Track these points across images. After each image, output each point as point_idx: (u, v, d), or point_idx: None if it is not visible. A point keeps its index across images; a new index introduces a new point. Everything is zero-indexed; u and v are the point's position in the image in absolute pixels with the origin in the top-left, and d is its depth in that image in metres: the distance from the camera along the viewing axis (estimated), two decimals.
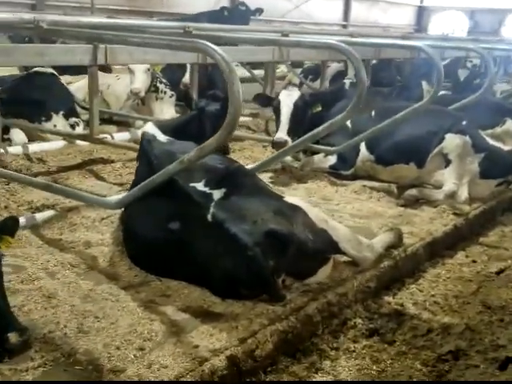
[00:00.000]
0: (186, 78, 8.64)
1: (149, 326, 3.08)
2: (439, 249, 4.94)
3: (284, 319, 3.31)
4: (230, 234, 3.33)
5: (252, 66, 17.70)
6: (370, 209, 5.32)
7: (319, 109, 6.26)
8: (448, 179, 5.73)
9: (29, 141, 6.95)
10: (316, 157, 6.41)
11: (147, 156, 4.06)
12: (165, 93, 8.53)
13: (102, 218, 4.45)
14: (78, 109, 7.95)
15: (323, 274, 3.77)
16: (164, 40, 3.73)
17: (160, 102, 8.45)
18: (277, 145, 5.89)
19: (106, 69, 9.29)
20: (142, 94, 7.82)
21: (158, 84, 8.44)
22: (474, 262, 4.91)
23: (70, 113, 7.28)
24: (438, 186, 5.82)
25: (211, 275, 3.44)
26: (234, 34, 5.55)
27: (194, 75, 6.89)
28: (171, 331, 3.06)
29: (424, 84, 7.72)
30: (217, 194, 3.54)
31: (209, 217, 3.43)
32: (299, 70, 13.24)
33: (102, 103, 8.70)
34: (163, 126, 4.53)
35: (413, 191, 5.62)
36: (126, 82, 8.30)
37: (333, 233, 3.78)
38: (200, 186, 3.62)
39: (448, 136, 5.83)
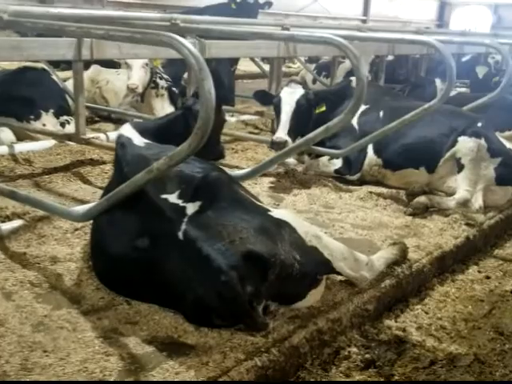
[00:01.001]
0: None
1: (104, 362, 2.67)
2: (449, 263, 4.51)
3: (264, 352, 2.90)
4: (202, 255, 2.92)
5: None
6: (375, 218, 4.88)
7: (323, 109, 5.82)
8: (461, 186, 5.27)
9: (18, 140, 6.59)
10: (320, 160, 5.98)
11: (119, 162, 3.66)
12: (165, 89, 8.13)
13: (76, 229, 4.05)
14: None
15: (314, 297, 3.35)
16: (126, 32, 3.33)
17: (161, 98, 8.06)
18: (276, 145, 5.47)
19: (115, 64, 9.00)
20: (140, 90, 7.44)
21: (158, 80, 8.05)
22: (488, 278, 4.47)
23: (60, 111, 6.90)
24: (451, 193, 5.37)
25: (183, 301, 3.03)
26: (225, 27, 5.11)
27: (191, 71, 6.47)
28: (129, 369, 2.65)
29: (438, 82, 7.24)
30: (191, 208, 3.12)
31: (180, 234, 3.02)
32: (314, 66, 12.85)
33: (101, 100, 8.37)
34: (142, 128, 4.12)
35: (422, 199, 5.17)
36: (125, 77, 7.92)
37: (325, 251, 3.36)
38: (173, 198, 3.20)
39: (461, 139, 5.36)
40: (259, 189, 5.46)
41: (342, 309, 3.43)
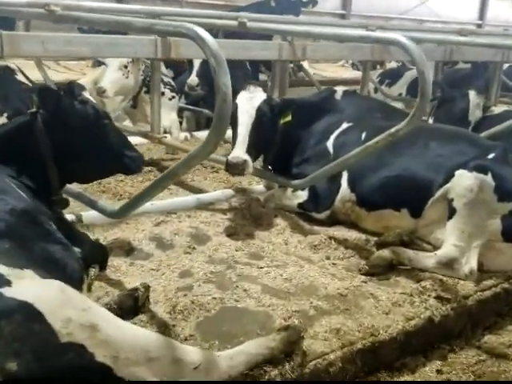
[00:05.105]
0: (193, 79, 7.12)
1: None
2: (391, 358, 3.12)
3: None
4: None
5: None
6: (306, 279, 3.55)
7: (288, 118, 4.54)
8: (448, 238, 3.81)
9: None
10: (284, 191, 4.68)
11: None
12: (163, 94, 7.08)
13: None
14: None
15: None
16: None
17: None
18: (232, 167, 4.26)
19: None
20: (110, 94, 6.42)
21: None
22: None
23: (16, 114, 6.01)
24: (439, 247, 3.90)
25: None
26: (106, 16, 3.91)
27: (156, 73, 5.40)
28: None
29: (472, 95, 5.67)
30: None
31: None
32: (377, 72, 11.31)
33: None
34: None
35: (384, 253, 3.77)
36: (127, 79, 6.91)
37: (101, 349, 2.15)
38: None
39: (458, 173, 3.86)
40: (188, 224, 4.28)
41: None
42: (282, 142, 4.66)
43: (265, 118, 4.48)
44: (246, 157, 4.28)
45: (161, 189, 3.08)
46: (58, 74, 11.34)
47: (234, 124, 4.49)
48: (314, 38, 5.35)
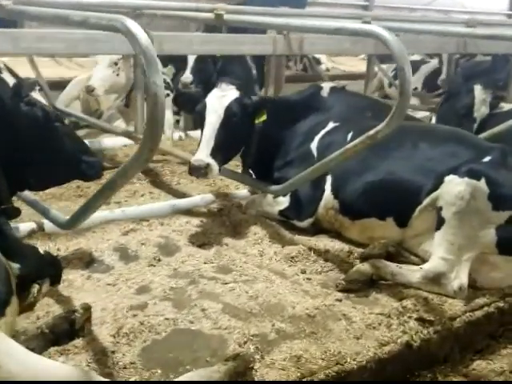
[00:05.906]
0: (187, 76, 6.85)
1: None
2: None
3: None
4: None
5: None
6: (274, 297, 3.23)
7: (264, 118, 4.21)
8: (436, 251, 3.46)
9: None
10: (265, 197, 4.35)
11: None
12: None
13: None
14: None
15: None
16: None
17: None
18: (195, 170, 3.96)
19: None
20: (99, 93, 6.15)
21: None
22: None
23: None
24: (427, 260, 3.56)
25: None
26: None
27: (139, 71, 5.12)
28: None
29: (477, 89, 5.25)
30: None
31: None
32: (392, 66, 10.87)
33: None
34: None
35: (363, 267, 3.44)
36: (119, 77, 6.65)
37: None
38: None
39: (448, 179, 3.50)
40: (158, 233, 3.98)
41: None
42: (263, 144, 4.33)
43: (235, 118, 4.14)
44: (210, 160, 3.96)
45: (103, 200, 2.78)
46: (69, 72, 11.16)
47: (202, 123, 4.18)
48: (290, 31, 4.96)
